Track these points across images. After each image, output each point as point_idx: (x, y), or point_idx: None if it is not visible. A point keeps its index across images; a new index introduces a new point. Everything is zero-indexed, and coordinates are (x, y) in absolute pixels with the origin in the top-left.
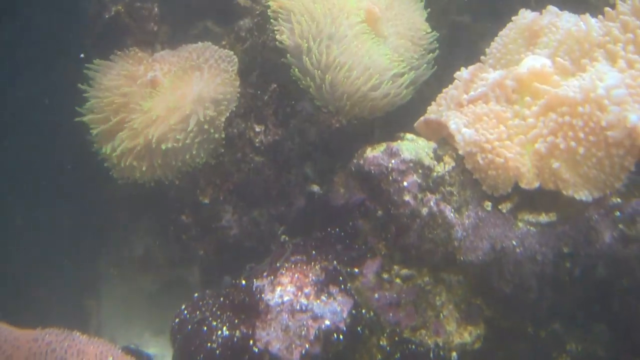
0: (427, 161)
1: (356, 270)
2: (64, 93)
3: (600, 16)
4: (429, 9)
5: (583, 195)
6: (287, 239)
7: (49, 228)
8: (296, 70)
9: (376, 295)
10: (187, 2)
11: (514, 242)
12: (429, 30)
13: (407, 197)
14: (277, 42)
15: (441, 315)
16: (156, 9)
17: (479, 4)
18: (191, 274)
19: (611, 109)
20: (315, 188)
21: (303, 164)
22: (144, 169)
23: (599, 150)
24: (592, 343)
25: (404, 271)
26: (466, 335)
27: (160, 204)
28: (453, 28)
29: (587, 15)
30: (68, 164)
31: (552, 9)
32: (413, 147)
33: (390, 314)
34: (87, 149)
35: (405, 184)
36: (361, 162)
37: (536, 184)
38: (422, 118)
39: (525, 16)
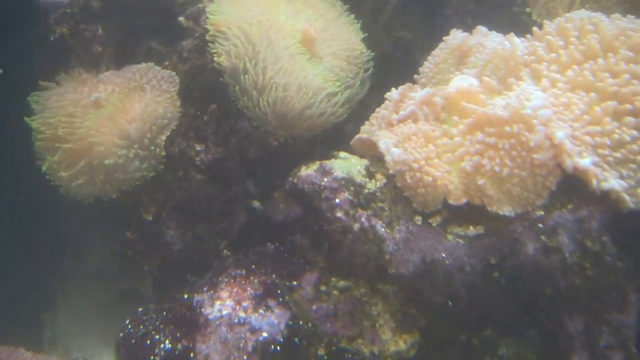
0: (359, 179)
1: (294, 283)
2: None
3: (528, 35)
4: (366, 34)
5: (506, 211)
6: (229, 253)
7: (1, 242)
8: (235, 89)
9: (314, 307)
10: (132, 23)
11: (444, 255)
12: (364, 50)
13: (339, 214)
14: (215, 64)
15: (377, 324)
16: (100, 31)
17: (419, 21)
18: (143, 285)
19: (538, 129)
20: (256, 204)
21: (244, 181)
22: (83, 183)
23: (523, 170)
24: (523, 348)
25: (341, 283)
26: (401, 344)
27: (112, 218)
28: (395, 44)
29: (512, 34)
30: (18, 178)
31: (481, 29)
32: (345, 165)
33: (328, 325)
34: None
35: (337, 201)
36: (295, 180)
37: (464, 200)
38: (356, 136)
39: (455, 37)
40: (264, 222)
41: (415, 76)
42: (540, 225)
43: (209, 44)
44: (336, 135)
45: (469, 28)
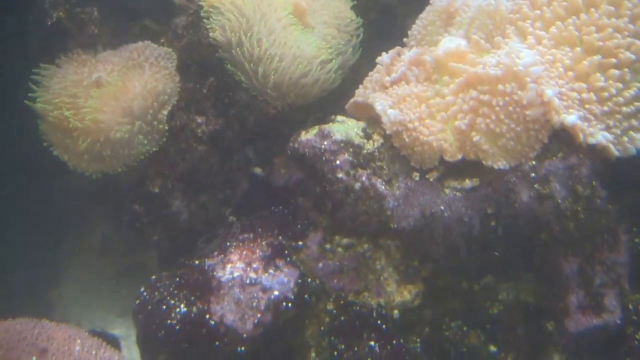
0: (357, 140)
1: (300, 243)
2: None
3: None
4: (354, 1)
5: (501, 164)
6: (234, 219)
7: (4, 223)
8: (231, 62)
9: (320, 265)
10: (125, 3)
11: (442, 207)
12: (354, 17)
13: (340, 174)
14: (210, 39)
15: (382, 277)
16: (96, 13)
17: None
18: (149, 259)
19: (530, 87)
20: (258, 170)
21: (244, 149)
22: (91, 160)
23: (517, 125)
24: (521, 291)
25: (345, 240)
26: (406, 294)
27: (113, 194)
28: (381, 11)
29: None
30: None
31: None
32: (343, 128)
33: (335, 281)
34: (38, 144)
35: (337, 162)
36: (296, 145)
37: (459, 156)
38: (351, 100)
39: None
40: (266, 188)
41: (405, 39)
42: (533, 174)
43: (204, 20)
44: (331, 99)
45: None
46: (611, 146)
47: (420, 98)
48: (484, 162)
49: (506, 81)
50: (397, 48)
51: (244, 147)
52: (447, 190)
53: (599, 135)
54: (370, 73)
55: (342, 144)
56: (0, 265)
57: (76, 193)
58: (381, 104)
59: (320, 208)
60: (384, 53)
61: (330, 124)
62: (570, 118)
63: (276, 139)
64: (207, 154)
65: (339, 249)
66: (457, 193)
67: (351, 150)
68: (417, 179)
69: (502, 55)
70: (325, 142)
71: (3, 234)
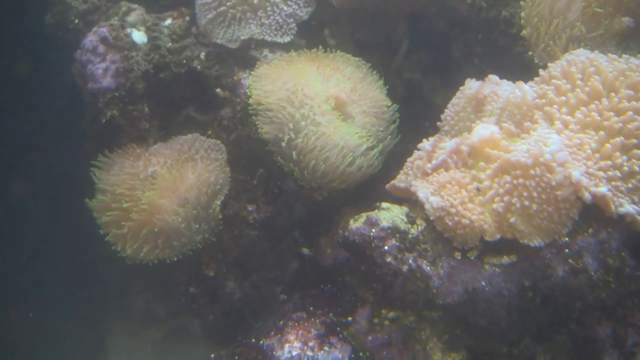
0: (403, 226)
1: (350, 319)
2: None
3: (537, 78)
4: (386, 87)
5: (537, 242)
6: (285, 297)
7: (54, 293)
8: (279, 157)
9: (370, 338)
10: (172, 96)
11: (483, 283)
12: (389, 104)
13: (388, 259)
14: (260, 135)
15: (427, 347)
16: (146, 109)
17: (428, 62)
18: (191, 324)
19: (558, 170)
20: (305, 251)
21: (293, 232)
22: (147, 250)
23: (549, 205)
24: (558, 353)
25: (391, 314)
26: None
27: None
28: (408, 85)
29: (521, 82)
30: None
31: (492, 78)
32: (389, 215)
33: (384, 352)
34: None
35: (386, 248)
36: (346, 234)
37: (498, 236)
38: (393, 183)
39: (470, 86)
40: (314, 267)
41: (438, 123)
42: (567, 250)
43: (252, 117)
44: (373, 182)
45: (476, 68)
46: (638, 217)
47: (460, 184)
48: (520, 241)
49: (536, 167)
50: (438, 135)
51: (292, 230)
52: (487, 267)
53: (628, 206)
54: (409, 159)
55: (389, 231)
56: (51, 335)
57: (116, 260)
58: (424, 192)
59: (366, 284)
60: (424, 140)
61: (377, 211)
62: (601, 190)
63: (322, 220)
64: (259, 239)
65: (386, 322)
66: (497, 269)
67: (398, 236)
68: (459, 258)
69: (532, 142)
70: (374, 230)
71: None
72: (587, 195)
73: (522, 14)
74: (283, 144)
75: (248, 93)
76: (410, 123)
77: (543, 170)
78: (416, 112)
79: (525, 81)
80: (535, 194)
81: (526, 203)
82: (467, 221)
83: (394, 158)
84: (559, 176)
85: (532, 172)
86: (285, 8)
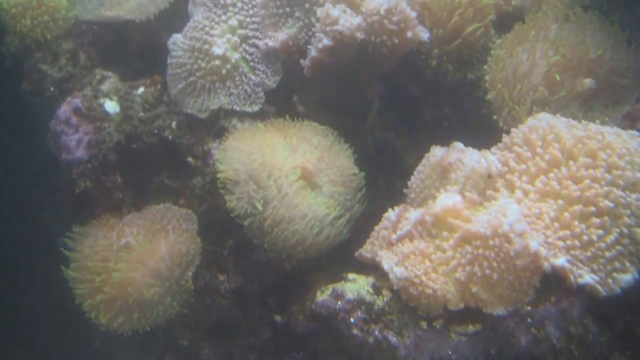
0: (369, 297)
1: None
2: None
3: (499, 144)
4: (355, 156)
5: (499, 311)
6: None
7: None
8: (249, 228)
9: None
10: (143, 164)
11: (449, 352)
12: (357, 172)
13: (355, 331)
14: (228, 208)
15: None
16: (119, 179)
17: (399, 123)
18: None
19: (516, 241)
20: (278, 318)
21: (265, 300)
22: (122, 321)
23: (509, 274)
24: None
25: None
26: None
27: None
28: (380, 145)
29: (487, 152)
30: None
31: (457, 145)
32: (355, 287)
33: None
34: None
35: (352, 320)
36: (313, 306)
37: (461, 305)
38: (361, 252)
39: (435, 154)
40: (286, 334)
41: (405, 190)
42: (529, 319)
43: (221, 190)
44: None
45: (445, 130)
46: (599, 287)
47: (423, 254)
48: (483, 310)
49: (495, 237)
50: (402, 206)
51: (264, 298)
52: (453, 336)
53: (587, 277)
54: (376, 228)
55: (355, 303)
56: None
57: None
58: (388, 262)
59: (338, 353)
60: (390, 210)
61: (343, 282)
62: (560, 261)
63: (293, 287)
64: (231, 307)
65: None
66: (462, 338)
67: (363, 307)
68: (425, 327)
69: (492, 213)
70: (340, 303)
71: None
72: (546, 265)
73: (487, 78)
74: (251, 218)
75: (216, 166)
76: (382, 181)
77: (502, 240)
78: (388, 170)
79: (490, 144)
80: (495, 264)
81: (487, 272)
82: (431, 291)
83: (365, 217)
84: (516, 246)
85: (491, 242)
86: (253, 77)
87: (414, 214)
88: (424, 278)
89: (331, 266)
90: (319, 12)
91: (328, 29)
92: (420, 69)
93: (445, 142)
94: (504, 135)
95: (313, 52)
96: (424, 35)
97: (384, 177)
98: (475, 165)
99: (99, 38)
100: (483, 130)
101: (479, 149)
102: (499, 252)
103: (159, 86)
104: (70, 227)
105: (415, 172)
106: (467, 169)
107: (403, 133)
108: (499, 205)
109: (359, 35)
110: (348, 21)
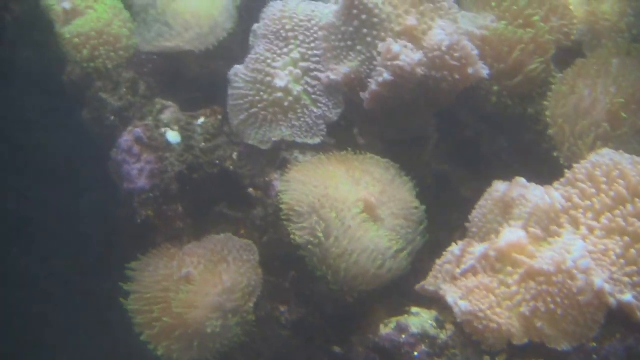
0: (432, 331)
1: None
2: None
3: (562, 179)
4: (415, 186)
5: (564, 346)
6: None
7: None
8: (312, 260)
9: None
10: (205, 195)
11: None
12: (418, 205)
13: None
14: (292, 240)
15: None
16: (180, 208)
17: (457, 156)
18: None
19: (580, 277)
20: (337, 349)
21: (324, 331)
22: (180, 350)
23: (573, 310)
24: None
25: None
26: None
27: None
28: (437, 177)
29: (551, 188)
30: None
31: (519, 180)
32: (418, 321)
33: None
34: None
35: (416, 354)
36: (377, 339)
37: (526, 340)
38: (423, 285)
39: (497, 189)
40: None
41: (467, 224)
42: (595, 356)
43: (284, 222)
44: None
45: (504, 163)
46: None
47: (487, 289)
48: (548, 345)
49: (558, 274)
50: (467, 240)
51: (323, 329)
52: None
53: None
54: (438, 261)
55: (419, 337)
56: None
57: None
58: (452, 297)
59: None
60: (454, 244)
61: (406, 316)
62: (626, 297)
63: (352, 319)
64: (291, 339)
65: None
66: None
67: (427, 341)
68: None
69: (557, 249)
70: (403, 336)
71: None
72: (612, 301)
73: (547, 113)
74: (313, 250)
75: (280, 197)
76: (439, 214)
77: (565, 277)
78: (444, 202)
79: (551, 179)
80: (559, 299)
81: (551, 307)
82: (495, 325)
83: (424, 249)
84: (580, 282)
85: (554, 279)
86: (315, 110)
87: (478, 248)
88: (488, 312)
89: (390, 298)
90: (381, 46)
91: (389, 63)
92: (479, 103)
93: (502, 175)
94: (565, 171)
95: (373, 86)
96: (485, 72)
97: (440, 208)
98: (539, 202)
99: (158, 67)
100: (541, 165)
101: (538, 183)
102: (562, 289)
103: (219, 116)
104: (130, 256)
105: (477, 207)
106: (531, 205)
107: (460, 166)
108: (563, 241)
109: (420, 70)
110: (409, 57)
